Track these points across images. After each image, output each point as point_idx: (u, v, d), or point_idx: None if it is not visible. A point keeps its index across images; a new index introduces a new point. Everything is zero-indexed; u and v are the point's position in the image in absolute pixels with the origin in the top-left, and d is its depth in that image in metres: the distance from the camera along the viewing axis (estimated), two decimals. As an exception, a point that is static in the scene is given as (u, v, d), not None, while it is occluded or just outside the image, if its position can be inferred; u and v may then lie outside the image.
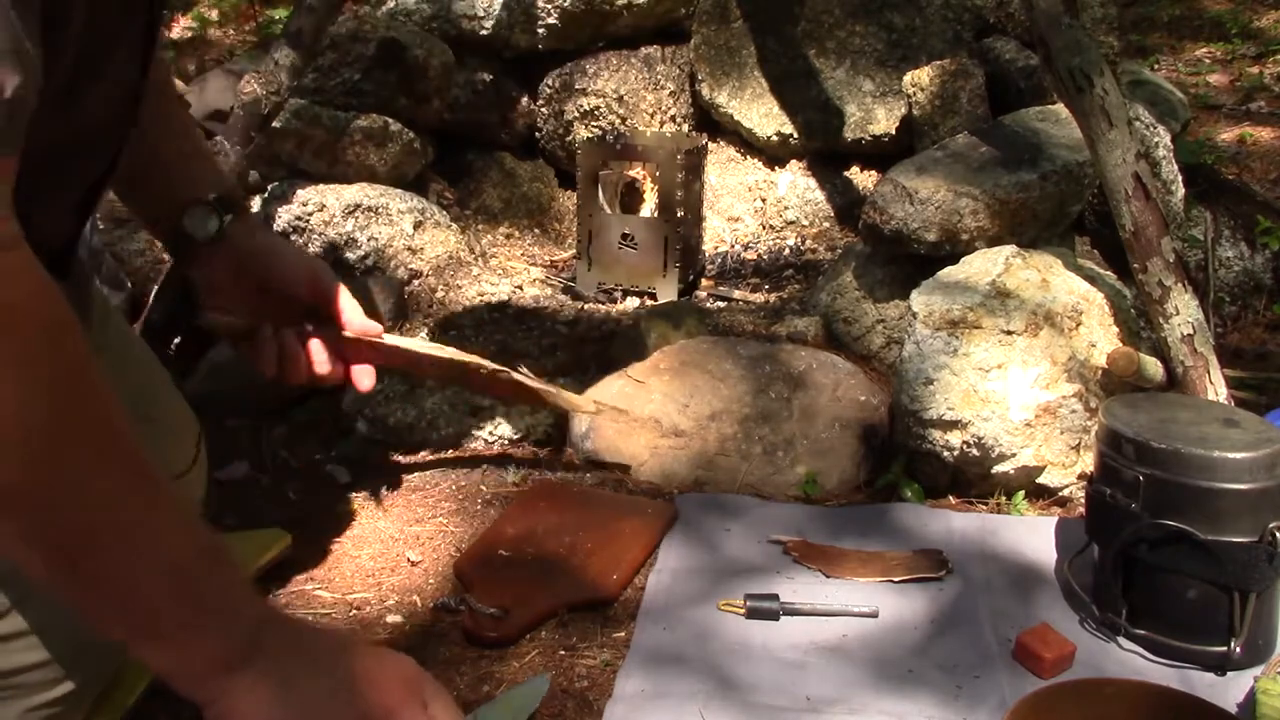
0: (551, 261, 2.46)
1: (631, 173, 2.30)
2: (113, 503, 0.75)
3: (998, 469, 1.49)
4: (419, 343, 1.33)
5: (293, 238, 2.13)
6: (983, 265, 1.61)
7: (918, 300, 1.57)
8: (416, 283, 2.16)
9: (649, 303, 2.22)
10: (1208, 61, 3.82)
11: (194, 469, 1.24)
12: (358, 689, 0.79)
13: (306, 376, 1.17)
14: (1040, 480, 1.51)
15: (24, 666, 0.95)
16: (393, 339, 1.27)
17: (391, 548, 1.40)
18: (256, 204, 2.31)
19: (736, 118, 2.45)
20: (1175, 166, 2.06)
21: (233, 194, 1.17)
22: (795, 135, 2.40)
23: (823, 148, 2.42)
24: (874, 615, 1.24)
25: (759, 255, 2.40)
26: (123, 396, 1.16)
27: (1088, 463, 1.48)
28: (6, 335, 0.71)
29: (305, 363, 1.17)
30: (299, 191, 2.18)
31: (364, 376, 1.23)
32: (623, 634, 1.21)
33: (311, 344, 1.17)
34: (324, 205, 2.14)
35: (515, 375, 1.39)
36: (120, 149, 1.06)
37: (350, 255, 2.13)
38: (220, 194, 1.13)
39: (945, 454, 1.50)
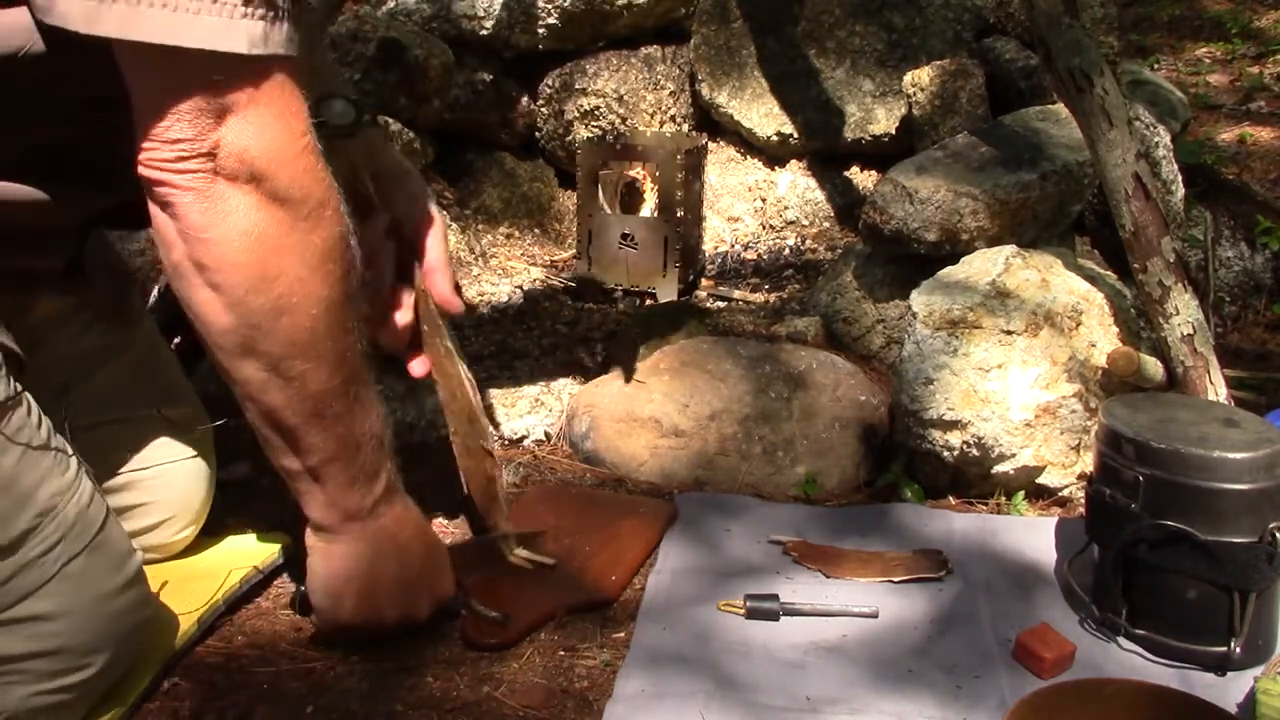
0: (551, 261, 2.46)
1: (631, 173, 2.30)
2: (357, 376, 1.00)
3: (998, 469, 1.49)
4: (464, 366, 1.32)
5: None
6: (983, 265, 1.61)
7: (918, 300, 1.57)
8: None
9: (649, 303, 2.22)
10: (1208, 61, 3.82)
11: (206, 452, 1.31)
12: (408, 585, 1.14)
13: (385, 312, 1.25)
14: (1040, 480, 1.51)
15: (32, 653, 0.95)
16: (452, 337, 1.28)
17: (391, 548, 1.40)
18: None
19: (736, 118, 2.45)
20: (1175, 166, 2.06)
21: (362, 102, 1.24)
22: (795, 135, 2.40)
23: (823, 148, 2.42)
24: (874, 615, 1.24)
25: (759, 255, 2.40)
26: (151, 394, 1.24)
27: (1088, 463, 1.48)
28: (325, 229, 0.92)
29: (388, 296, 1.26)
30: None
31: (419, 363, 1.30)
32: (623, 634, 1.21)
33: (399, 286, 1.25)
34: (324, 205, 2.14)
35: (494, 468, 1.35)
36: None
37: (350, 255, 2.13)
38: (359, 95, 1.21)
39: (945, 454, 1.51)
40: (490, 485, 1.35)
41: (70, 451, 0.99)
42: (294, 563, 1.34)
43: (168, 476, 1.25)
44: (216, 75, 0.85)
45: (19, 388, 0.95)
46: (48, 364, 1.10)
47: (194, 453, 1.28)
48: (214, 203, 0.88)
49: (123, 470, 1.21)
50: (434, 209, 1.28)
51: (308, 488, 1.06)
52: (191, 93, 0.85)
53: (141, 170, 0.88)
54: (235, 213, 0.88)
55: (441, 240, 1.27)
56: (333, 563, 1.10)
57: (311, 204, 0.91)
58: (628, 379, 1.64)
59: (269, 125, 0.88)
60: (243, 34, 0.84)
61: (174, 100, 0.85)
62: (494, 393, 1.74)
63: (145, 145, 0.87)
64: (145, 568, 1.07)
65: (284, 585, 1.30)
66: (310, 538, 1.11)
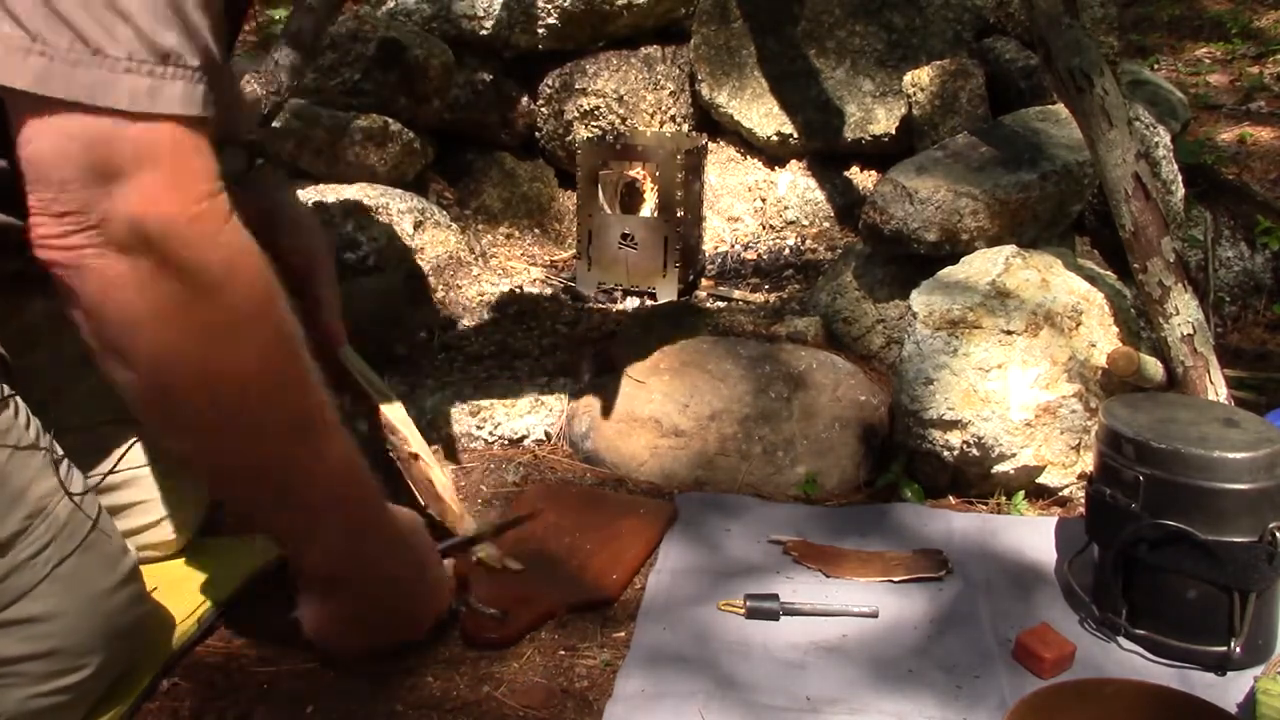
0: (551, 261, 2.46)
1: (631, 173, 2.30)
2: (309, 431, 0.94)
3: (998, 469, 1.49)
4: (373, 378, 1.33)
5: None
6: (983, 265, 1.61)
7: (918, 300, 1.57)
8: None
9: (649, 303, 2.22)
10: (1208, 61, 3.82)
11: None
12: (404, 611, 1.12)
13: None
14: (1040, 480, 1.51)
15: (27, 655, 0.95)
16: (353, 358, 1.29)
17: (391, 548, 1.39)
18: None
19: (736, 118, 2.44)
20: (1175, 166, 2.05)
21: (264, 146, 1.21)
22: (795, 135, 2.40)
23: (823, 148, 2.42)
24: (874, 615, 1.24)
25: (759, 255, 2.40)
26: None
27: (1088, 463, 1.48)
28: (231, 299, 0.85)
29: None
30: (299, 191, 2.18)
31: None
32: (623, 634, 1.21)
33: None
34: (324, 205, 2.14)
35: (429, 474, 1.36)
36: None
37: (350, 255, 2.13)
38: (255, 141, 1.18)
39: (945, 454, 1.51)
40: (430, 487, 1.35)
41: (60, 452, 0.98)
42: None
43: (163, 475, 1.25)
44: (99, 134, 0.79)
45: (7, 389, 0.95)
46: (40, 365, 1.10)
47: None
48: (107, 279, 0.81)
49: (117, 470, 1.20)
50: (323, 247, 1.27)
51: (292, 545, 1.04)
52: (73, 155, 0.79)
53: (35, 250, 0.82)
54: (128, 289, 0.81)
55: (328, 277, 1.26)
56: (328, 605, 1.09)
57: (214, 274, 0.83)
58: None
59: (160, 191, 0.81)
60: (124, 89, 0.78)
61: (57, 164, 0.79)
62: (494, 393, 1.74)
63: (33, 221, 0.81)
64: (144, 568, 1.07)
65: (284, 585, 1.30)
66: (302, 581, 1.09)
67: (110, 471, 1.13)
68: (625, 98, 2.50)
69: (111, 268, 0.81)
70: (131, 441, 1.20)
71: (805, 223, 2.44)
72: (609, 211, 2.27)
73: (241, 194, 1.17)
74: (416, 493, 1.37)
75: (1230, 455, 1.14)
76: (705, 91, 2.48)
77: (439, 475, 1.37)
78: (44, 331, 1.13)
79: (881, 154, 2.35)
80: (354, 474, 1.01)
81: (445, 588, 1.18)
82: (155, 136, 0.81)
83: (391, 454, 1.37)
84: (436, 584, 1.17)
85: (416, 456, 1.35)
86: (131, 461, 1.20)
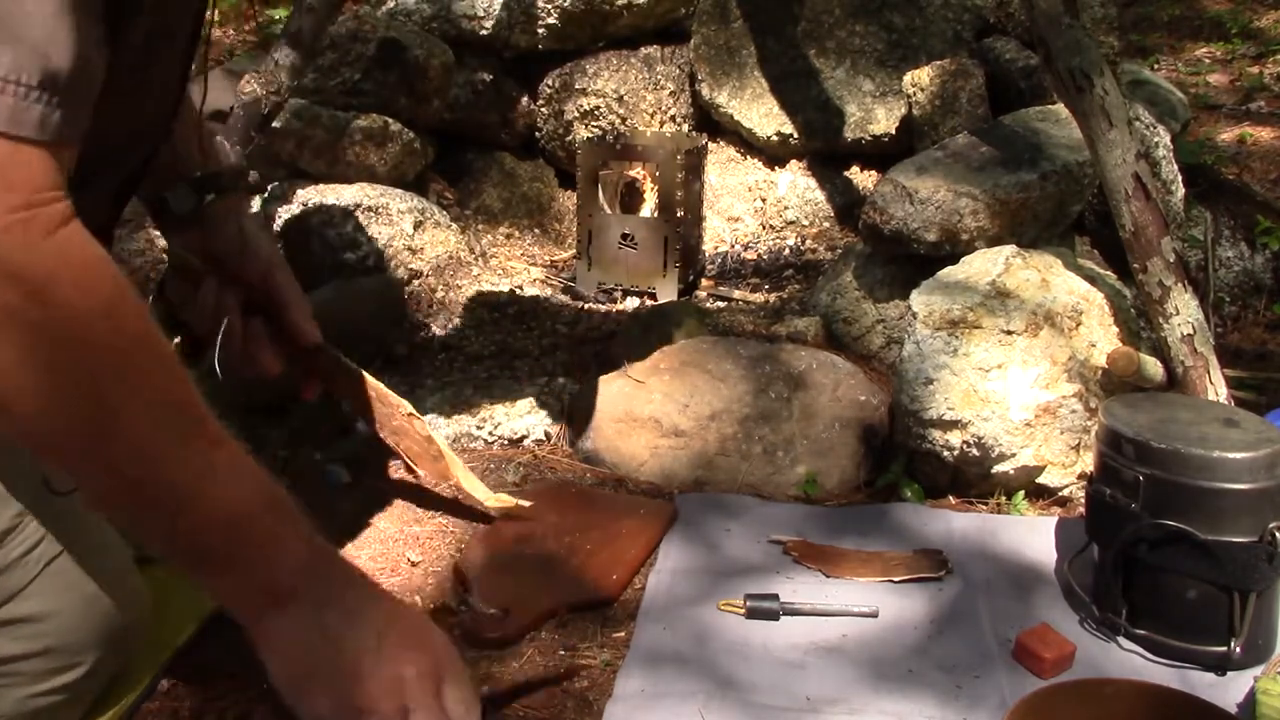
0: (551, 261, 2.46)
1: (631, 173, 2.30)
2: (171, 461, 0.79)
3: (998, 469, 1.49)
4: (352, 365, 1.35)
5: (292, 238, 2.13)
6: (983, 265, 1.61)
7: (918, 300, 1.57)
8: (416, 283, 2.16)
9: (649, 303, 2.22)
10: (1208, 61, 3.82)
11: None
12: (384, 655, 0.83)
13: (240, 359, 1.20)
14: (1040, 480, 1.51)
15: (22, 654, 0.95)
16: (330, 350, 1.30)
17: (391, 548, 1.40)
18: (256, 204, 2.31)
19: (736, 118, 2.45)
20: (1175, 166, 2.06)
21: (220, 177, 1.22)
22: (795, 135, 2.40)
23: (823, 148, 2.42)
24: (874, 615, 1.24)
25: (759, 255, 2.40)
26: None
27: (1088, 463, 1.48)
28: (62, 310, 0.76)
29: (240, 338, 1.20)
30: (299, 191, 2.18)
31: (309, 386, 1.29)
32: (623, 634, 1.21)
33: (251, 326, 1.20)
34: (324, 205, 2.14)
35: (426, 430, 1.38)
36: (161, 138, 1.12)
37: (350, 255, 2.13)
38: (205, 175, 1.19)
39: (945, 454, 1.51)
40: (431, 445, 1.36)
41: None
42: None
43: None
44: None
45: None
46: None
47: None
48: None
49: None
50: (275, 257, 1.27)
51: (207, 582, 0.84)
52: None
53: None
54: None
55: (286, 280, 1.24)
56: (284, 649, 0.85)
57: (34, 282, 0.76)
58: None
59: None
60: None
61: None
62: (494, 393, 1.74)
63: None
64: (144, 568, 1.07)
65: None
66: (253, 634, 0.85)
67: None
68: (625, 98, 2.50)
69: None
70: None
71: (805, 223, 2.44)
72: (609, 211, 2.27)
73: (195, 230, 1.16)
74: (413, 458, 1.39)
75: (1230, 455, 1.14)
76: (705, 91, 2.48)
77: (438, 435, 1.38)
78: None
79: (881, 154, 2.35)
80: (252, 502, 0.83)
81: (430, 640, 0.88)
82: None
83: (382, 431, 1.38)
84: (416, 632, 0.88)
85: (414, 415, 1.36)
86: None
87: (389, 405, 1.37)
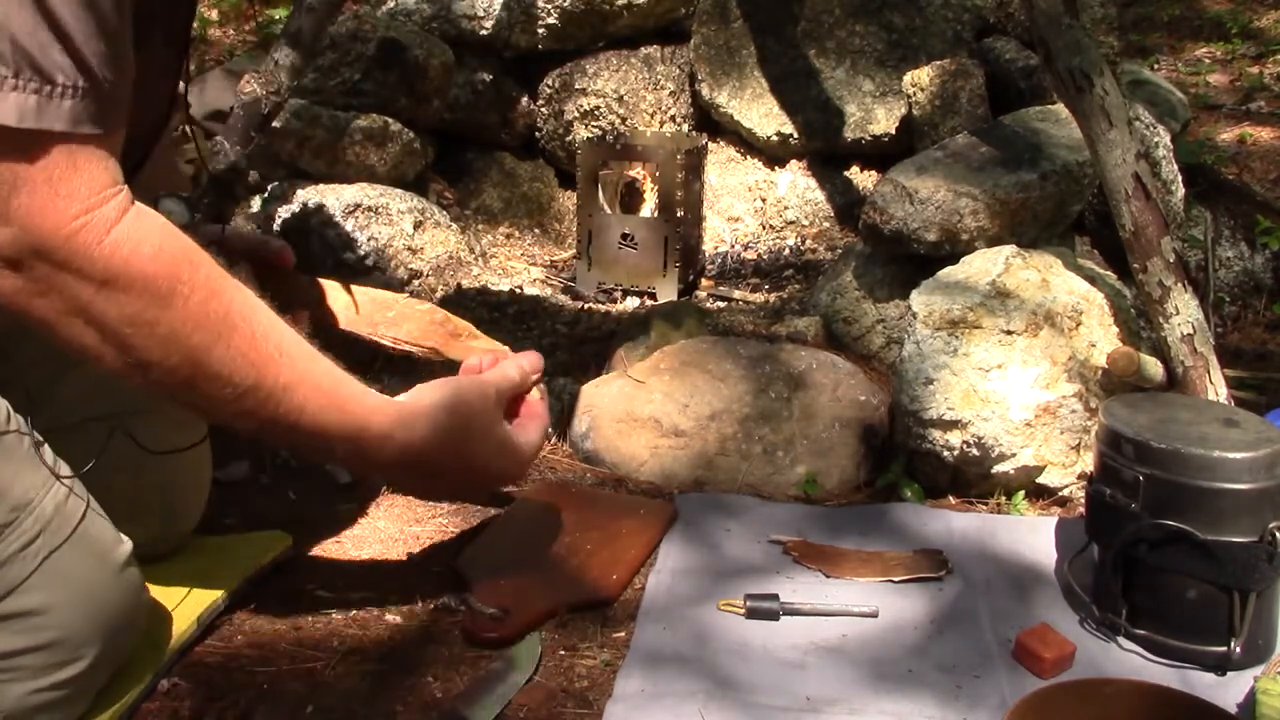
0: (551, 261, 2.46)
1: (631, 173, 2.30)
2: (251, 391, 0.97)
3: (998, 469, 1.49)
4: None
5: (292, 238, 2.13)
6: (983, 265, 1.61)
7: (918, 300, 1.57)
8: (416, 283, 2.16)
9: (649, 303, 2.22)
10: (1208, 61, 3.82)
11: (202, 443, 1.31)
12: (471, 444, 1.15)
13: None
14: (1040, 480, 1.51)
15: (23, 649, 0.95)
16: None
17: (391, 548, 1.40)
18: (256, 204, 2.31)
19: (736, 118, 2.45)
20: (1175, 166, 2.05)
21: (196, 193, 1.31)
22: (795, 135, 2.40)
23: (823, 148, 2.42)
24: (874, 615, 1.24)
25: (759, 255, 2.40)
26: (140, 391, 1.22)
27: (1088, 463, 1.48)
28: (134, 292, 0.89)
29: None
30: (299, 191, 2.18)
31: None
32: (623, 634, 1.21)
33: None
34: (324, 205, 2.14)
35: (426, 305, 1.41)
36: (155, 141, 1.14)
37: (350, 255, 2.13)
38: (191, 195, 1.29)
39: (945, 454, 1.51)
40: (435, 314, 1.40)
41: (43, 444, 0.99)
42: (294, 563, 1.34)
43: (159, 473, 1.24)
44: None
45: None
46: (20, 369, 1.10)
47: (186, 448, 1.28)
48: (7, 292, 0.88)
49: (110, 468, 1.20)
50: (254, 236, 1.44)
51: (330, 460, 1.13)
52: None
53: None
54: (28, 295, 0.88)
55: (261, 238, 1.39)
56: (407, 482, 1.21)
57: (99, 278, 0.89)
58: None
59: (33, 214, 0.86)
60: (11, 106, 0.83)
61: None
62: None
63: None
64: (144, 568, 1.07)
65: (284, 585, 1.30)
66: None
67: (94, 466, 1.12)
68: (625, 98, 2.50)
69: (9, 282, 0.88)
70: (124, 440, 1.20)
71: (805, 223, 2.44)
72: (609, 211, 2.27)
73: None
74: (423, 341, 1.40)
75: (1230, 455, 1.14)
76: (705, 91, 2.48)
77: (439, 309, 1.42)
78: (18, 337, 1.12)
79: (881, 154, 2.35)
80: (344, 404, 1.03)
81: (514, 445, 1.20)
82: (34, 161, 0.85)
83: (377, 332, 1.39)
84: (502, 445, 1.19)
85: (413, 299, 1.40)
86: (127, 460, 1.20)
87: (381, 300, 1.39)
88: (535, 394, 1.26)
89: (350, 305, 1.38)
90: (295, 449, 1.07)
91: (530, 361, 1.27)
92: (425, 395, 1.12)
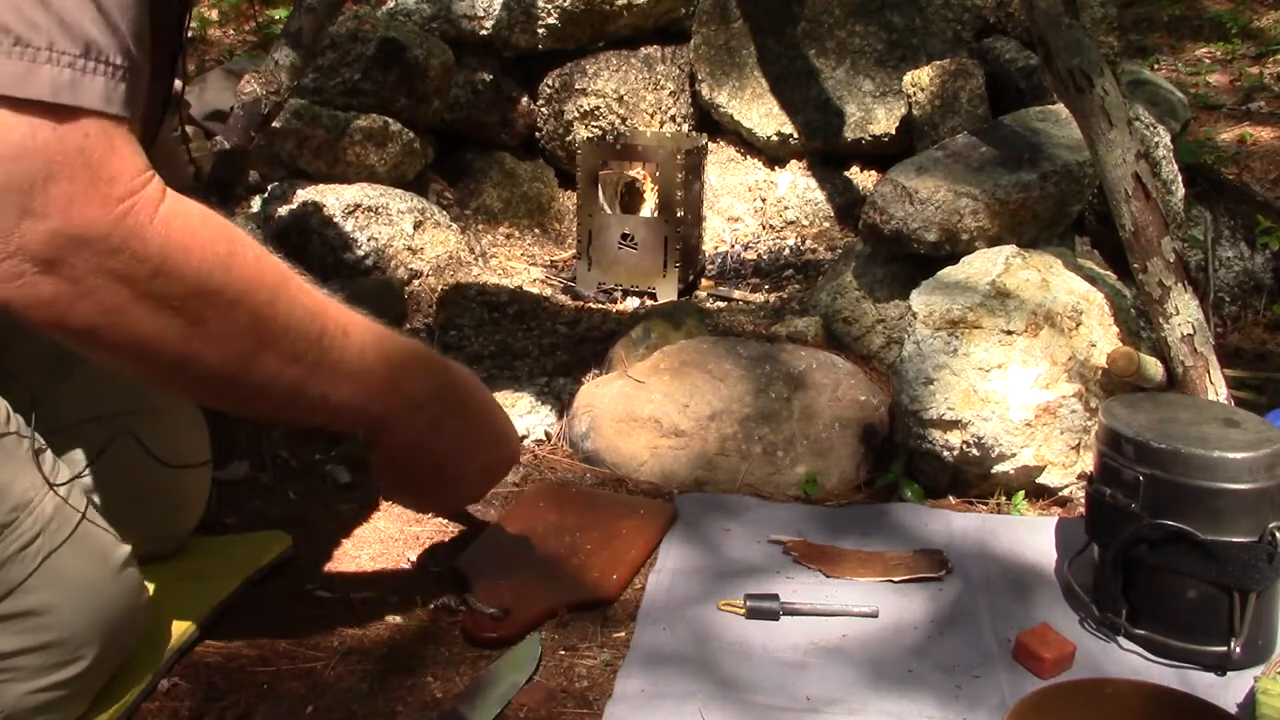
0: (551, 261, 2.46)
1: (631, 173, 2.30)
2: (302, 368, 0.96)
3: (998, 469, 1.49)
4: None
5: (292, 238, 2.13)
6: (983, 265, 1.61)
7: (918, 300, 1.57)
8: (416, 283, 2.16)
9: (649, 303, 2.22)
10: (1208, 61, 3.82)
11: (207, 465, 1.30)
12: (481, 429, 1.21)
13: None
14: (1040, 480, 1.51)
15: (23, 649, 0.95)
16: None
17: (391, 548, 1.40)
18: (256, 204, 2.31)
19: (736, 118, 2.45)
20: (1175, 166, 2.06)
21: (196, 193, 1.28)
22: (795, 135, 2.40)
23: (823, 148, 2.42)
24: (874, 615, 1.24)
25: (759, 255, 2.40)
26: (139, 391, 1.21)
27: (1088, 463, 1.48)
28: (185, 275, 0.86)
29: None
30: (299, 191, 2.18)
31: None
32: (623, 634, 1.21)
33: None
34: (324, 205, 2.14)
35: None
36: (149, 144, 1.13)
37: (350, 255, 2.13)
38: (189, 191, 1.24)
39: (945, 454, 1.51)
40: None
41: (43, 445, 0.99)
42: (294, 563, 1.34)
43: (159, 473, 1.24)
44: (10, 147, 0.75)
45: None
46: (18, 368, 1.10)
47: (185, 447, 1.28)
48: (41, 303, 0.80)
49: (111, 468, 1.20)
50: None
51: (372, 433, 1.10)
52: None
53: None
54: (67, 302, 0.80)
55: None
56: (412, 471, 1.16)
57: (153, 264, 0.83)
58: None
59: (77, 203, 0.78)
60: (46, 80, 0.76)
61: None
62: (494, 392, 1.74)
63: None
64: (144, 568, 1.07)
65: (284, 585, 1.30)
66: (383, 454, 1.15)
67: (94, 466, 1.12)
68: (625, 98, 2.50)
69: (45, 289, 0.79)
70: (124, 441, 1.20)
71: (805, 223, 2.44)
72: (609, 211, 2.27)
73: None
74: None
75: (1230, 455, 1.14)
76: (705, 91, 2.48)
77: None
78: (18, 336, 1.12)
79: (881, 154, 2.35)
80: (386, 365, 1.04)
81: (511, 434, 1.25)
82: (68, 143, 0.78)
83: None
84: (503, 432, 1.24)
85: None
86: (126, 459, 1.20)
87: None
88: None
89: None
90: (338, 412, 1.01)
91: None
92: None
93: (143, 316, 0.84)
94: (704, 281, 2.35)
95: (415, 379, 1.09)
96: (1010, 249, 1.64)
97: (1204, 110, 3.33)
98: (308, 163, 2.21)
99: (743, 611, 1.24)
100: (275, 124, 2.05)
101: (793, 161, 2.47)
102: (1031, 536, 1.41)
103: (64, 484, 0.99)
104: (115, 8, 0.80)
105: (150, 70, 0.91)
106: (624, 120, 2.51)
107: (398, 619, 1.24)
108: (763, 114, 2.42)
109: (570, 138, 2.52)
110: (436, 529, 1.44)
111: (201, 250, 0.86)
